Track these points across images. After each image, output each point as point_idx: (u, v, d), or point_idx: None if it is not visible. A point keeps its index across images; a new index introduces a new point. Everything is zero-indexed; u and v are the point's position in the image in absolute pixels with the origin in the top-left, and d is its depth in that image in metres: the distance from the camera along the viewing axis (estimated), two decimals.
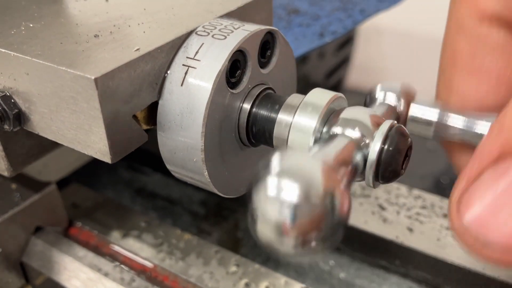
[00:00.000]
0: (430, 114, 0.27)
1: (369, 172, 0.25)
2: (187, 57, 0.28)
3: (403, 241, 0.44)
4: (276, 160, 0.19)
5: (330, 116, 0.27)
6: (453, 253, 0.42)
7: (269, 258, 0.54)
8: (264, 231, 0.18)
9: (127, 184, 0.61)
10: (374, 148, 0.25)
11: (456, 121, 0.27)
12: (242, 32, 0.28)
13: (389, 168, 0.25)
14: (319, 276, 0.51)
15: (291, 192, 0.18)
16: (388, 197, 0.48)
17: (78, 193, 0.50)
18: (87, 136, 0.26)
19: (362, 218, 0.46)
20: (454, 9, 0.27)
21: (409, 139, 0.26)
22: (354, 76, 0.96)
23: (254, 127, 0.29)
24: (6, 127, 0.29)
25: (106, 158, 0.27)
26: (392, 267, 0.46)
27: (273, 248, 0.18)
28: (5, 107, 0.28)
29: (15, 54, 0.27)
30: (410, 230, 0.45)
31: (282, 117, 0.28)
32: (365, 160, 0.25)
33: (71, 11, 0.32)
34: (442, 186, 0.68)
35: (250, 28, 0.29)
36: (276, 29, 0.30)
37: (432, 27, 0.94)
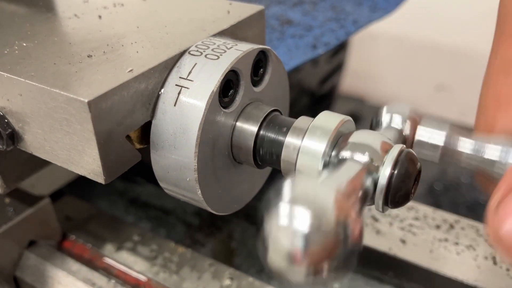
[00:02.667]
0: (437, 137, 0.28)
1: (379, 197, 0.25)
2: (180, 77, 0.28)
3: (396, 253, 0.44)
4: (287, 187, 0.18)
5: (339, 140, 0.27)
6: (446, 265, 0.42)
7: (262, 269, 0.54)
8: (275, 259, 0.18)
9: (121, 195, 0.61)
10: (384, 173, 0.25)
11: (465, 144, 0.27)
12: (235, 52, 0.28)
13: (399, 193, 0.25)
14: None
15: (303, 221, 0.17)
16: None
17: (71, 205, 0.50)
18: (80, 157, 0.26)
19: None
20: (502, 48, 0.26)
21: (419, 164, 0.26)
22: (348, 82, 0.96)
23: (261, 150, 0.29)
24: (0, 146, 0.29)
25: (100, 178, 0.27)
26: (386, 278, 0.46)
27: (284, 276, 0.18)
28: None
29: (9, 75, 0.27)
30: (403, 241, 0.45)
31: (290, 140, 0.28)
32: (375, 185, 0.25)
33: (65, 29, 0.32)
34: (436, 192, 0.69)
35: (243, 47, 0.29)
36: (269, 47, 0.31)
37: (425, 33, 0.95)
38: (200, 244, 0.54)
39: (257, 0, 0.65)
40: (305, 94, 0.82)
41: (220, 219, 0.58)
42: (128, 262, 0.43)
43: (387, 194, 0.26)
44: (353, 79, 0.97)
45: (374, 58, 1.03)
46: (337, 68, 0.89)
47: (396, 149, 0.26)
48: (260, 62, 0.31)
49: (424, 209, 0.48)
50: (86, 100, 0.24)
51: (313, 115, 0.86)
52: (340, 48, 0.86)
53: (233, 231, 0.56)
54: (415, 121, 0.29)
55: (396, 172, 0.25)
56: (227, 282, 0.41)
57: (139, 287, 0.41)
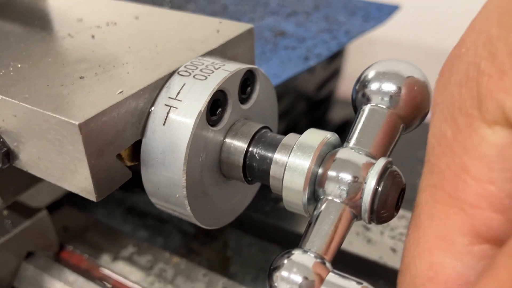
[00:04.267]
0: None
1: (364, 216, 0.27)
2: (169, 97, 0.29)
3: (386, 262, 0.45)
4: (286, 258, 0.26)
5: (325, 157, 0.28)
6: None
7: (258, 276, 0.55)
8: None
9: (119, 204, 0.62)
10: (368, 192, 0.26)
11: None
12: (222, 73, 0.29)
13: (382, 211, 0.26)
14: None
15: (296, 279, 0.25)
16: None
17: (69, 216, 0.51)
18: (73, 175, 0.27)
19: (347, 239, 0.47)
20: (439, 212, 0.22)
21: (402, 179, 0.27)
22: (346, 86, 0.97)
23: (251, 166, 0.30)
24: None
25: (91, 196, 0.28)
26: (376, 286, 0.47)
27: None
28: None
29: (3, 97, 0.28)
30: (394, 250, 0.46)
31: (278, 157, 0.29)
32: (360, 204, 0.27)
33: (59, 49, 0.33)
34: None
35: (230, 67, 0.30)
36: (256, 67, 0.32)
37: (422, 37, 0.96)
38: (195, 253, 0.55)
39: (251, 11, 0.66)
40: (302, 100, 0.83)
41: (215, 228, 0.58)
42: (124, 272, 0.44)
43: (371, 212, 0.27)
44: (351, 84, 0.98)
45: (371, 63, 1.04)
46: (334, 74, 0.90)
47: (379, 165, 0.27)
48: (248, 80, 0.32)
49: None
50: (77, 123, 0.25)
51: (310, 120, 0.88)
52: (337, 54, 0.87)
53: (228, 240, 0.57)
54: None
55: (379, 189, 0.26)
56: None
57: None
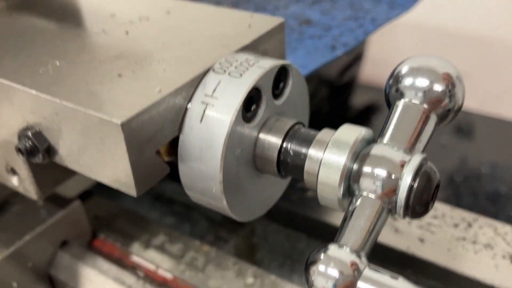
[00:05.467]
0: None
1: (400, 211, 0.27)
2: (205, 95, 0.29)
3: (414, 252, 0.45)
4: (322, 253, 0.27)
5: (360, 153, 0.28)
6: (463, 264, 0.44)
7: (284, 263, 0.56)
8: None
9: (146, 192, 0.63)
10: (404, 188, 0.27)
11: None
12: (257, 70, 0.29)
13: (417, 207, 0.27)
14: None
15: (333, 273, 0.26)
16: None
17: (99, 205, 0.52)
18: (113, 172, 0.28)
19: None
20: None
21: (437, 177, 0.27)
22: (368, 71, 0.96)
23: (285, 161, 0.31)
24: (36, 160, 0.31)
25: (132, 191, 0.28)
26: (404, 276, 0.47)
27: None
28: (36, 143, 0.30)
29: (45, 96, 0.28)
30: (421, 240, 0.46)
31: (313, 152, 0.29)
32: (395, 200, 0.27)
33: (94, 45, 0.34)
34: (455, 183, 0.69)
35: (264, 64, 0.30)
36: (289, 62, 0.32)
37: (445, 20, 0.94)
38: (223, 240, 0.56)
39: None
40: (324, 85, 0.83)
41: None
42: (156, 260, 0.45)
43: (406, 207, 0.27)
44: (373, 68, 0.97)
45: (394, 47, 1.03)
46: (357, 58, 0.89)
47: (414, 161, 0.27)
48: (281, 75, 0.32)
49: (443, 208, 0.49)
50: (119, 122, 0.25)
51: (333, 106, 0.87)
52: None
53: (255, 227, 0.58)
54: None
55: (415, 185, 0.27)
56: (250, 280, 0.43)
57: (166, 285, 0.43)
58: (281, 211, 0.54)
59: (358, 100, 0.93)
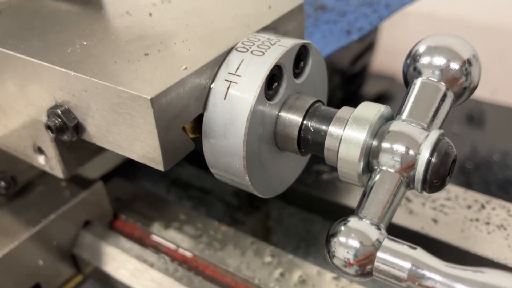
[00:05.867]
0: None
1: (417, 185, 0.28)
2: (229, 73, 0.30)
3: (428, 232, 0.46)
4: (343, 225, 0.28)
5: (379, 129, 0.29)
6: (477, 244, 0.44)
7: (299, 246, 0.57)
8: (337, 263, 0.27)
9: (163, 176, 0.65)
10: (422, 163, 0.28)
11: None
12: (279, 48, 0.30)
13: (434, 181, 0.28)
14: None
15: (354, 245, 0.27)
16: (413, 190, 0.50)
17: (120, 187, 0.54)
18: (141, 147, 0.29)
19: None
20: None
21: (454, 151, 0.28)
22: (380, 60, 0.97)
23: (306, 138, 0.32)
24: (65, 137, 0.32)
25: (160, 166, 0.29)
26: None
27: (342, 272, 0.28)
28: (65, 120, 0.31)
29: (75, 73, 0.29)
30: (435, 221, 0.47)
31: (333, 130, 0.30)
32: (413, 174, 0.28)
33: (119, 26, 0.35)
34: (467, 171, 0.70)
35: (286, 43, 0.31)
36: (309, 42, 0.33)
37: (457, 9, 0.94)
38: (240, 223, 0.57)
39: None
40: (336, 74, 0.83)
41: (258, 199, 0.60)
42: (176, 239, 0.46)
43: (424, 181, 0.28)
44: (385, 57, 0.98)
45: (406, 36, 1.03)
46: (369, 47, 0.89)
47: (431, 138, 0.28)
48: (301, 55, 0.33)
49: (456, 190, 0.50)
50: (149, 97, 0.26)
51: (345, 95, 0.88)
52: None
53: (270, 211, 0.59)
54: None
55: (433, 160, 0.28)
56: (268, 259, 0.44)
57: (186, 263, 0.44)
58: (297, 194, 0.54)
59: (370, 89, 0.94)
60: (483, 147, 0.73)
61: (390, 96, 0.92)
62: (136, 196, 0.53)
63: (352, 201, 0.51)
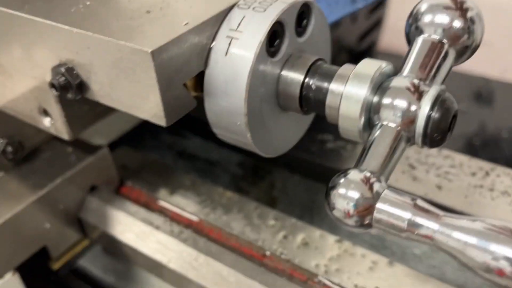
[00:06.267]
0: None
1: (418, 139, 0.29)
2: (230, 29, 0.30)
3: (432, 198, 0.46)
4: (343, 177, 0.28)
5: (380, 85, 0.29)
6: (481, 209, 0.45)
7: (303, 215, 0.58)
8: (337, 214, 0.28)
9: (169, 147, 0.65)
10: (422, 117, 0.28)
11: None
12: (280, 5, 0.30)
13: (435, 135, 0.28)
14: (352, 233, 0.54)
15: (353, 196, 0.27)
16: (418, 157, 0.51)
17: (126, 155, 0.54)
18: (144, 102, 0.30)
19: (393, 176, 0.49)
20: None
21: (455, 106, 0.28)
22: (387, 38, 0.96)
23: (307, 97, 0.32)
24: (69, 95, 0.33)
25: (162, 121, 0.30)
26: None
27: (343, 224, 0.28)
28: (69, 78, 0.32)
29: (78, 30, 0.30)
30: (439, 187, 0.47)
31: (334, 87, 0.30)
32: (414, 128, 0.28)
33: None
34: (474, 148, 0.70)
35: (288, 0, 0.31)
36: (311, 0, 0.33)
37: None
38: (244, 192, 0.57)
39: None
40: (343, 51, 0.83)
41: (262, 169, 0.61)
42: (181, 205, 0.47)
43: (424, 135, 0.28)
44: (392, 35, 0.97)
45: None
46: (376, 24, 0.89)
47: (432, 93, 0.28)
48: (303, 13, 0.33)
49: (460, 158, 0.50)
50: (150, 50, 0.27)
51: None
52: (380, 3, 0.86)
53: (275, 181, 0.60)
54: None
55: (433, 114, 0.28)
56: (272, 222, 0.45)
57: (191, 227, 0.45)
58: (302, 162, 0.55)
59: None
60: (491, 124, 0.72)
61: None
62: (143, 164, 0.53)
63: None
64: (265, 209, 0.46)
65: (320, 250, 0.42)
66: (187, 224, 0.45)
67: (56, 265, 0.46)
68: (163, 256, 0.42)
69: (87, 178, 0.47)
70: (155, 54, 0.27)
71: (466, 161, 0.50)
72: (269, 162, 0.60)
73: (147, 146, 0.64)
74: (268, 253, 0.42)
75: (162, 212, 0.46)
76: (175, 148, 0.65)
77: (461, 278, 0.48)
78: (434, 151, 0.51)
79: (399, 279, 0.40)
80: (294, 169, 0.57)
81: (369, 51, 0.90)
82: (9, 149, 0.44)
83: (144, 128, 0.62)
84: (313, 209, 0.57)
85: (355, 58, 0.86)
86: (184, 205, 0.47)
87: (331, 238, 0.43)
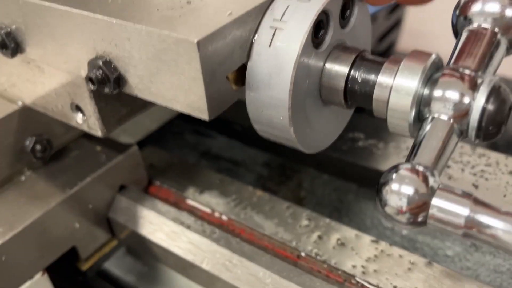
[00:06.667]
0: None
1: (472, 132, 0.27)
2: (274, 19, 0.29)
3: None
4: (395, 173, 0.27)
5: (431, 77, 0.28)
6: None
7: (330, 217, 0.57)
8: (389, 211, 0.27)
9: (193, 147, 0.65)
10: (477, 109, 0.26)
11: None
12: None
13: (490, 128, 0.26)
14: (382, 233, 0.53)
15: (406, 191, 0.26)
16: (452, 155, 0.49)
17: (154, 154, 0.53)
18: (186, 95, 0.29)
19: None
20: None
21: (511, 98, 0.27)
22: (406, 40, 0.95)
23: (353, 90, 0.31)
24: (106, 90, 0.32)
25: (204, 115, 0.29)
26: None
27: (394, 221, 0.27)
28: (106, 72, 0.31)
29: (117, 21, 0.29)
30: (476, 186, 0.46)
31: (383, 79, 0.29)
32: (467, 121, 0.27)
33: None
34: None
35: None
36: None
37: None
38: (271, 192, 0.56)
39: None
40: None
41: (289, 168, 0.60)
42: (211, 204, 0.46)
43: (479, 129, 0.27)
44: (411, 36, 0.96)
45: (433, 15, 1.01)
46: (395, 25, 0.88)
47: (486, 84, 0.27)
48: (346, 4, 0.32)
49: (496, 156, 0.49)
50: (195, 40, 0.26)
51: None
52: (398, 5, 0.85)
53: (303, 180, 0.58)
54: None
55: (488, 106, 0.26)
56: (305, 222, 0.43)
57: (223, 226, 0.44)
58: (332, 161, 0.54)
59: None
60: None
61: None
62: (170, 163, 0.52)
63: (389, 167, 0.50)
64: (298, 209, 0.45)
65: (357, 250, 0.41)
66: (218, 224, 0.44)
67: (84, 266, 0.46)
68: (195, 256, 0.41)
69: (117, 177, 0.46)
70: (200, 44, 0.26)
71: (502, 159, 0.48)
72: (297, 162, 0.59)
73: (170, 147, 0.63)
74: (303, 254, 0.41)
75: (192, 211, 0.45)
76: (199, 148, 0.65)
77: (497, 280, 0.46)
78: (468, 149, 0.50)
79: (439, 280, 0.38)
80: (324, 169, 0.56)
81: (388, 52, 0.89)
82: (38, 147, 0.43)
83: (167, 128, 0.62)
84: (341, 210, 0.56)
85: None
86: (214, 204, 0.46)
87: (366, 239, 0.42)
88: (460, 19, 0.31)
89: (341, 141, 0.54)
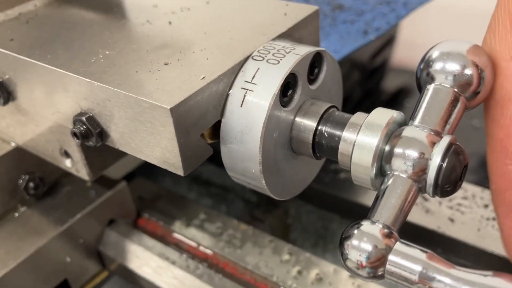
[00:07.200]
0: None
1: (429, 191, 0.29)
2: (245, 81, 0.31)
3: (444, 231, 0.47)
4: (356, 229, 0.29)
5: (392, 134, 0.30)
6: (493, 243, 0.45)
7: (317, 243, 0.58)
8: (350, 265, 0.28)
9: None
10: (433, 167, 0.28)
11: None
12: (293, 57, 0.31)
13: (446, 186, 0.28)
14: None
15: (366, 248, 0.28)
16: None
17: (142, 186, 0.55)
18: (162, 153, 0.31)
19: None
20: None
21: (466, 157, 0.29)
22: (400, 53, 0.96)
23: (320, 143, 0.33)
24: (90, 143, 0.34)
25: (179, 171, 0.31)
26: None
27: (355, 274, 0.28)
28: (90, 127, 0.33)
29: (99, 83, 0.31)
30: (452, 220, 0.48)
31: (347, 135, 0.31)
32: (425, 178, 0.29)
33: (140, 36, 0.36)
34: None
35: (300, 51, 0.32)
36: (324, 49, 0.33)
37: (480, 1, 0.93)
38: (259, 220, 0.58)
39: None
40: (356, 69, 0.84)
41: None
42: (196, 238, 0.48)
43: (436, 186, 0.29)
44: (405, 51, 0.97)
45: (426, 29, 1.03)
46: (389, 41, 0.89)
47: (443, 143, 0.29)
48: (315, 61, 0.34)
49: (473, 189, 0.50)
50: (169, 107, 0.28)
51: (365, 89, 0.88)
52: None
53: (289, 208, 0.60)
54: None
55: (444, 165, 0.28)
56: (286, 257, 0.45)
57: (207, 260, 0.46)
58: (315, 192, 0.56)
59: (390, 83, 0.94)
60: None
61: (410, 90, 0.92)
62: (158, 195, 0.54)
63: (368, 200, 0.52)
64: (280, 243, 0.47)
65: (334, 285, 0.43)
66: (202, 258, 0.46)
67: None
68: None
69: (106, 212, 0.48)
70: (173, 110, 0.28)
71: (478, 192, 0.50)
72: None
73: (162, 173, 0.65)
74: None
75: (178, 245, 0.47)
76: (190, 174, 0.66)
77: None
78: None
79: None
80: (308, 199, 0.58)
81: (381, 68, 0.90)
82: (31, 185, 0.45)
83: None
84: (327, 237, 0.58)
85: (368, 75, 0.86)
86: (199, 238, 0.48)
87: (344, 274, 0.43)
88: (423, 74, 0.33)
89: (324, 172, 0.55)
